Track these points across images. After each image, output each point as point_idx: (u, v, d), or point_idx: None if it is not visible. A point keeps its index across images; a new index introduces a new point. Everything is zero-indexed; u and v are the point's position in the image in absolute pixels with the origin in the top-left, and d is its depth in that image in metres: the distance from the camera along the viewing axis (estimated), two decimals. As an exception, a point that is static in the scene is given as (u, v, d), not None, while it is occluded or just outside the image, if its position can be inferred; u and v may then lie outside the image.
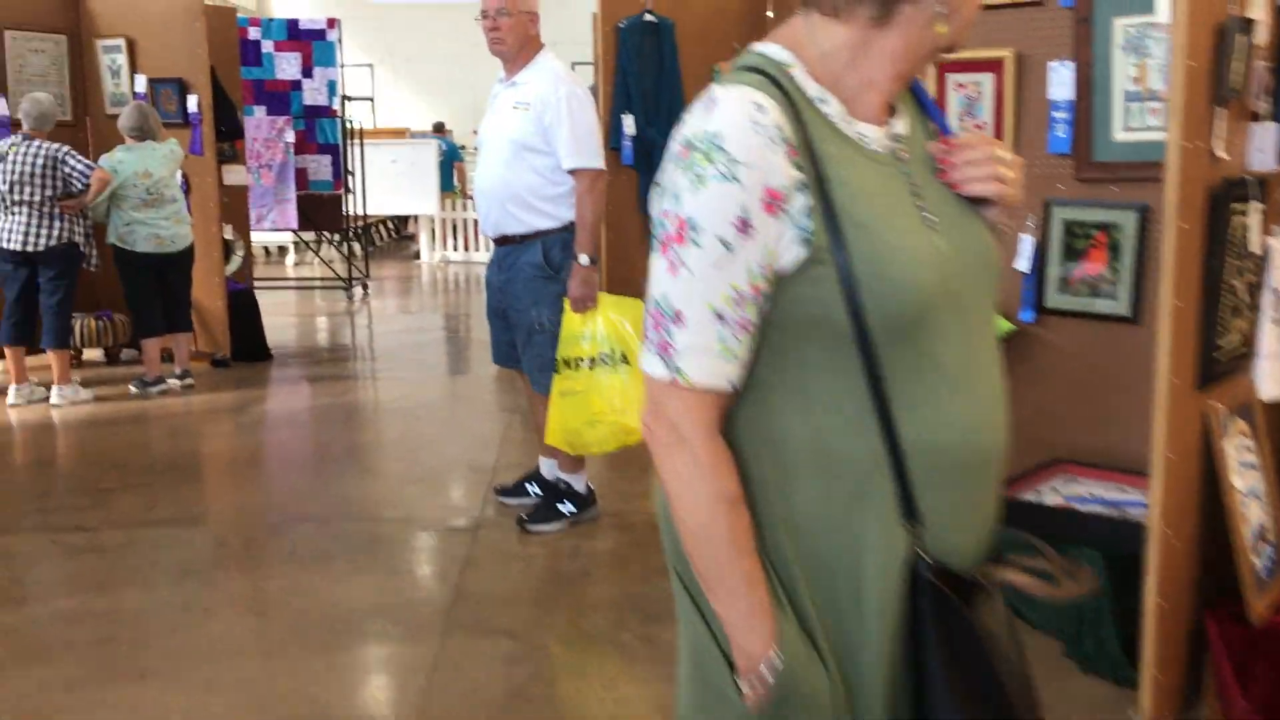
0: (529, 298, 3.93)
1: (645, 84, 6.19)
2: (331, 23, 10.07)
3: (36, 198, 5.93)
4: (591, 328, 3.89)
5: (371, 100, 16.49)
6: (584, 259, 3.85)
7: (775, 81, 1.19)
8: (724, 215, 1.13)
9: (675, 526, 1.25)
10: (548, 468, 4.28)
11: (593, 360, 3.87)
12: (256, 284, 8.30)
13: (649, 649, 3.15)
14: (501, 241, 4.02)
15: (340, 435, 5.63)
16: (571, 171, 3.86)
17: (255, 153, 9.54)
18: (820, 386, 1.21)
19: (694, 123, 1.17)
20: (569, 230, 3.90)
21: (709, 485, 1.19)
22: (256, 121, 9.63)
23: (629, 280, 6.27)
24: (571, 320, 3.89)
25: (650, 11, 6.14)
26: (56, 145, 6.00)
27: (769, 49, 1.25)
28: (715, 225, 1.13)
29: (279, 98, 9.95)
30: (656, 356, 1.19)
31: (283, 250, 14.04)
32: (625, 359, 3.88)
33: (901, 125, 1.30)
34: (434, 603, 3.52)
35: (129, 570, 3.74)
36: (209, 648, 3.18)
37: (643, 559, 3.83)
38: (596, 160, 3.88)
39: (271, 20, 10.18)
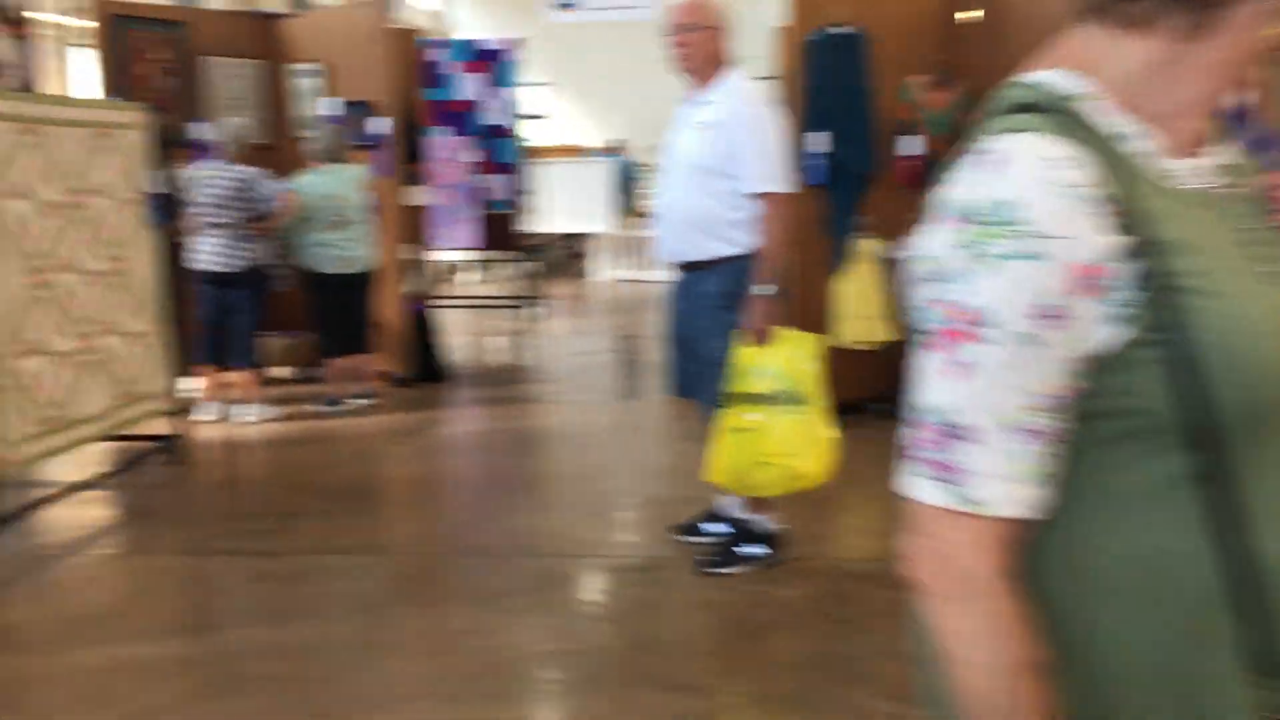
0: (710, 328, 3.74)
1: (835, 100, 5.93)
2: (512, 43, 10.15)
3: (230, 220, 6.08)
4: (768, 363, 3.66)
5: (547, 119, 16.66)
6: (764, 289, 3.64)
7: (1069, 120, 0.94)
8: (1027, 303, 0.90)
9: (940, 679, 1.00)
10: (728, 505, 4.07)
11: (767, 398, 3.65)
12: (434, 303, 8.38)
13: (849, 717, 2.90)
14: (683, 268, 3.85)
15: (514, 462, 5.55)
16: (755, 196, 3.66)
17: (436, 173, 9.67)
18: (1136, 496, 0.95)
19: (971, 186, 0.93)
20: (750, 258, 3.71)
21: (1007, 651, 0.94)
22: (438, 142, 9.77)
23: (812, 308, 6.02)
24: (747, 354, 3.68)
25: (839, 24, 5.88)
26: (249, 169, 6.14)
27: (1048, 77, 0.99)
28: (1016, 316, 0.90)
29: (460, 118, 10.08)
30: (934, 481, 0.96)
31: (460, 269, 14.29)
32: (801, 399, 3.65)
33: (1222, 156, 1.04)
34: (611, 650, 3.34)
35: (310, 600, 3.70)
36: (387, 690, 3.08)
37: (836, 611, 3.57)
38: (783, 184, 3.67)
39: (454, 41, 10.32)
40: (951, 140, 6.28)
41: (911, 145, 6.20)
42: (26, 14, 4.73)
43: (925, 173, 6.25)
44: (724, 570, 3.86)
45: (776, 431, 3.63)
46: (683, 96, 3.87)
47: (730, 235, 3.69)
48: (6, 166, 4.16)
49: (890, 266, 6.19)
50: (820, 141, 5.93)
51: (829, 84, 5.93)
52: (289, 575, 3.92)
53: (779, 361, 3.65)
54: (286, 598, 3.73)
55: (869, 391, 6.29)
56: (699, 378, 3.79)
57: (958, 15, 6.12)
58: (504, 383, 7.68)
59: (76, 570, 4.01)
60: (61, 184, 4.49)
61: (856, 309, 6.10)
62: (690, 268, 3.81)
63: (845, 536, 4.50)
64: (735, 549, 3.90)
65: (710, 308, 3.73)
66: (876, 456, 5.70)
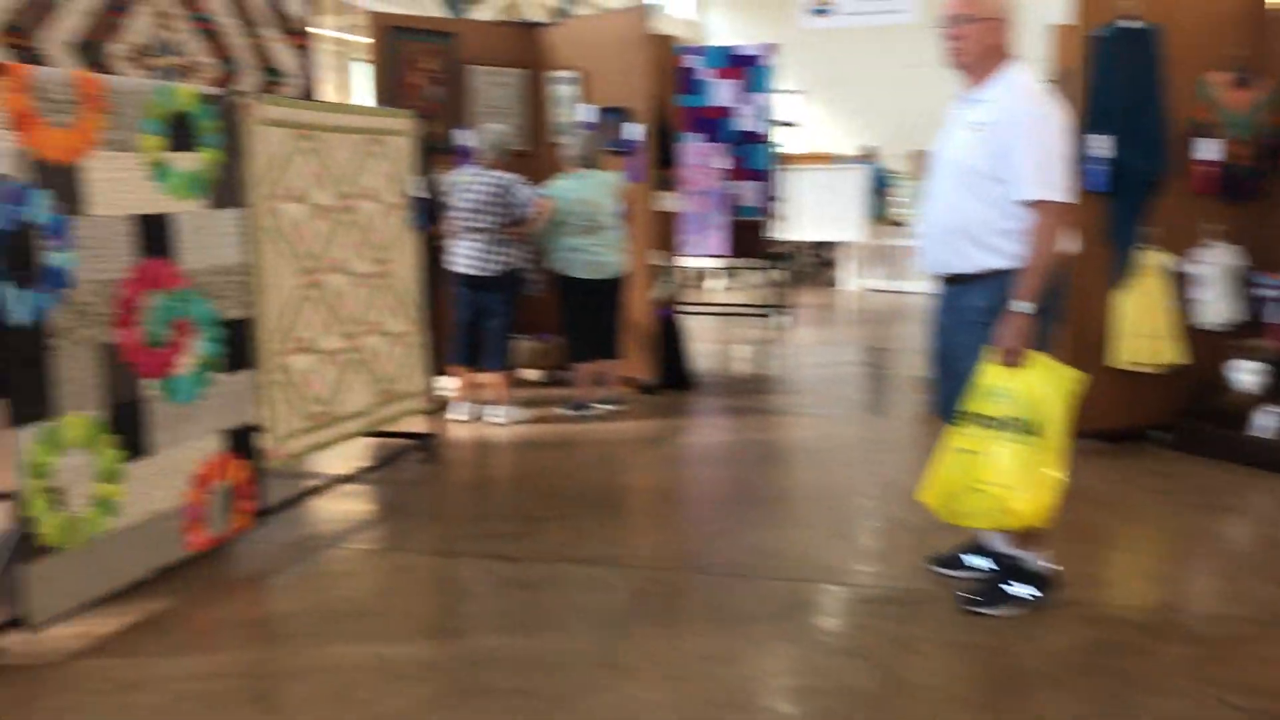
0: (970, 347, 3.44)
1: (1121, 99, 5.43)
2: (768, 49, 9.98)
3: (487, 225, 6.19)
4: (1010, 386, 3.34)
5: (799, 126, 16.42)
6: (1022, 305, 3.31)
7: None
8: None
9: None
10: (994, 538, 3.74)
11: (1000, 422, 3.34)
12: (682, 309, 8.32)
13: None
14: (947, 280, 3.56)
15: (757, 476, 5.37)
16: (1027, 204, 3.32)
17: (688, 179, 9.63)
18: None
19: None
20: (1015, 273, 3.37)
21: None
22: (690, 148, 9.72)
23: (1089, 324, 5.55)
24: (991, 373, 3.37)
25: (1130, 17, 5.38)
26: (508, 175, 6.23)
27: None
28: None
29: (713, 124, 10.01)
30: None
31: (708, 275, 14.25)
32: (1036, 431, 3.30)
33: None
34: (861, 691, 3.11)
35: (550, 611, 3.65)
36: (623, 713, 2.97)
37: (1115, 666, 3.20)
38: (1059, 193, 3.30)
39: (710, 48, 10.26)
40: (1254, 144, 5.65)
41: (1208, 149, 5.62)
42: (307, 27, 4.92)
43: (1223, 180, 5.66)
44: (988, 610, 3.54)
45: (998, 459, 3.34)
46: (957, 94, 3.58)
47: (1000, 246, 3.39)
48: (284, 171, 4.34)
49: (1179, 281, 5.63)
50: (1102, 145, 5.45)
51: (1116, 82, 5.44)
52: (531, 582, 3.88)
53: (1022, 387, 3.34)
54: (528, 606, 3.69)
55: (1149, 419, 5.74)
56: (956, 397, 3.50)
57: (1269, 1, 5.50)
58: (749, 392, 7.51)
59: (333, 563, 4.12)
60: (333, 188, 4.66)
61: (1138, 327, 5.58)
62: (955, 280, 3.53)
63: (1125, 580, 4.08)
64: (1001, 587, 3.58)
65: (973, 324, 3.44)
66: (1159, 492, 5.21)
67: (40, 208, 3.22)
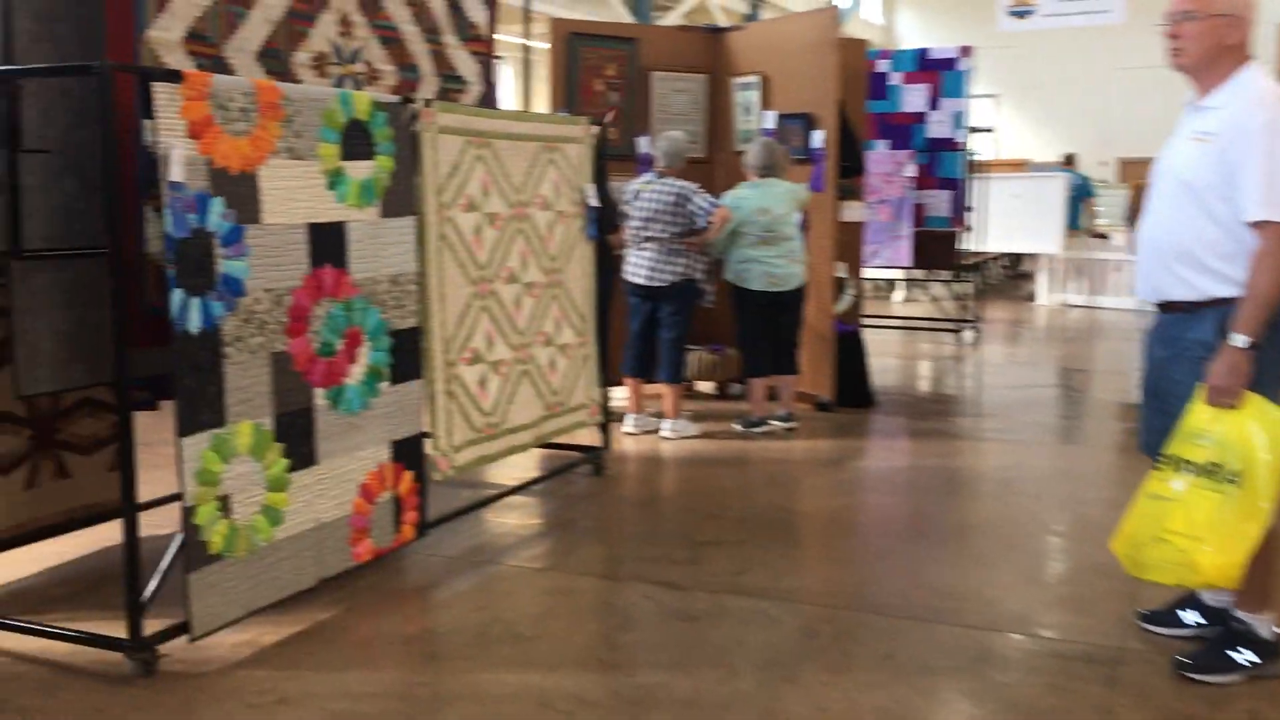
0: (1187, 383, 3.05)
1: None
2: (965, 51, 9.53)
3: (664, 234, 6.04)
4: (1216, 429, 2.97)
5: (992, 131, 15.79)
6: (1239, 339, 2.93)
7: None
8: None
9: None
10: (1214, 595, 3.34)
11: (1200, 468, 2.97)
12: (864, 324, 7.99)
13: None
14: (1164, 308, 3.18)
15: (941, 507, 5.03)
16: (1254, 225, 2.92)
17: (874, 188, 9.27)
18: None
19: None
20: (1235, 302, 2.98)
21: None
22: (877, 156, 9.37)
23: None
24: (1199, 413, 3.02)
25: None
26: (685, 183, 6.07)
27: None
28: None
29: (902, 131, 9.62)
30: None
31: (890, 286, 13.78)
32: (1239, 481, 2.90)
33: None
34: (1060, 762, 2.79)
35: (714, 647, 3.44)
36: (789, 770, 2.74)
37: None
38: None
39: (902, 51, 9.87)
40: None
41: None
42: (488, 33, 4.87)
43: None
44: (1210, 678, 3.14)
45: (1191, 508, 2.98)
46: (1187, 101, 3.20)
47: (1225, 272, 3.00)
48: (458, 179, 4.28)
49: None
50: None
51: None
52: (696, 614, 3.69)
53: (1231, 430, 2.96)
54: (691, 640, 3.50)
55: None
56: (1164, 437, 3.12)
57: None
58: (933, 413, 7.13)
59: (495, 581, 4.03)
60: (508, 196, 4.58)
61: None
62: (1172, 308, 3.15)
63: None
64: (1226, 652, 3.17)
65: (1191, 359, 3.06)
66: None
67: (216, 216, 3.22)
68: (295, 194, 3.50)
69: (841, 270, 7.26)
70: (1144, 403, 3.34)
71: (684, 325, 6.21)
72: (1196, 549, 2.94)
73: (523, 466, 5.45)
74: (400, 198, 3.97)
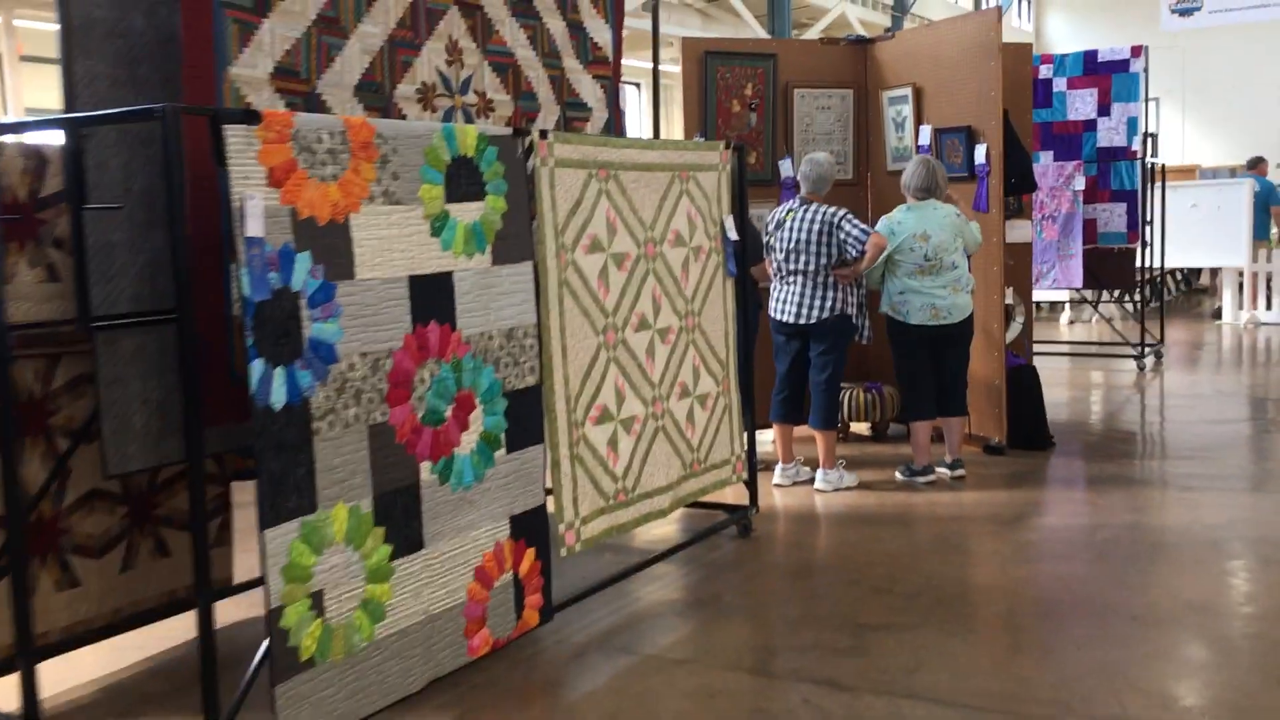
0: None
1: None
2: (1136, 51, 8.69)
3: (811, 266, 5.47)
4: None
5: (1162, 138, 14.67)
6: None
7: None
8: None
9: None
10: None
11: None
12: (1036, 355, 7.25)
13: None
14: None
15: (1145, 578, 4.29)
16: None
17: (1039, 204, 8.51)
18: None
19: None
20: None
21: None
22: (1042, 169, 8.60)
23: None
24: None
25: None
26: (833, 209, 5.49)
27: None
28: None
29: (1068, 141, 8.83)
30: None
31: (1056, 308, 12.83)
32: None
33: None
34: None
35: (890, 770, 2.85)
36: None
37: None
38: None
39: (1066, 55, 9.07)
40: None
41: None
42: (612, 56, 4.41)
43: None
44: None
45: None
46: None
47: None
48: (580, 216, 3.82)
49: None
50: None
51: None
52: (864, 723, 3.11)
53: None
54: (861, 760, 2.91)
55: None
56: None
57: None
58: (1119, 455, 6.34)
59: (631, 676, 3.51)
60: (637, 234, 4.10)
61: None
62: None
63: None
64: None
65: None
66: None
67: (302, 273, 2.83)
68: (393, 243, 3.09)
69: (1010, 296, 6.56)
70: None
71: (838, 365, 5.61)
72: None
73: (662, 529, 4.95)
74: (514, 241, 3.53)
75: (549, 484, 3.72)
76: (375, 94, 3.55)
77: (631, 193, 4.08)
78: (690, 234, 4.43)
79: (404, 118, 3.68)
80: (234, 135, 2.68)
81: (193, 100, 3.01)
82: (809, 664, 3.52)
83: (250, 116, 2.72)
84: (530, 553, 3.60)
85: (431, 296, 3.22)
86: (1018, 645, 3.70)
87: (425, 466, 3.21)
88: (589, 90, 4.49)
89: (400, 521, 3.13)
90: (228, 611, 3.79)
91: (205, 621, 2.74)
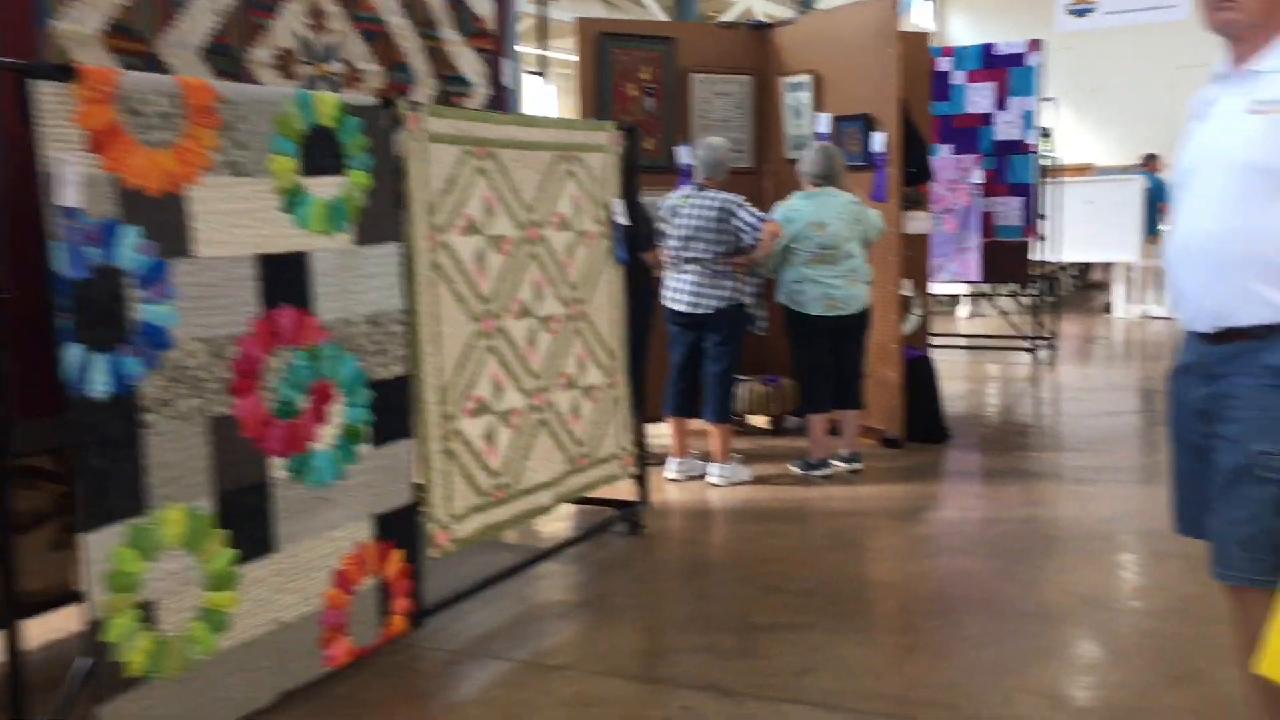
0: (1257, 419, 2.22)
1: None
2: (1034, 45, 8.72)
3: (706, 254, 5.31)
4: None
5: (1057, 134, 14.95)
6: None
7: None
8: None
9: None
10: None
11: None
12: (932, 347, 7.20)
13: None
14: (1221, 337, 2.28)
15: (1040, 573, 4.21)
16: None
17: (939, 196, 8.48)
18: None
19: None
20: None
21: None
22: (941, 161, 8.57)
23: None
24: None
25: None
26: (729, 196, 5.33)
27: None
28: None
29: (967, 134, 8.82)
30: None
31: (954, 301, 12.91)
32: None
33: None
34: None
35: (774, 783, 2.69)
36: None
37: None
38: None
39: (965, 47, 9.07)
40: None
41: None
42: (494, 29, 4.17)
43: None
44: None
45: None
46: (1214, 73, 2.36)
47: None
48: (454, 196, 3.58)
49: None
50: None
51: None
52: (749, 731, 2.94)
53: None
54: (744, 772, 2.74)
55: None
56: (1220, 504, 2.27)
57: None
58: (1014, 448, 6.31)
59: (505, 685, 3.30)
60: (518, 216, 3.88)
61: None
62: (1233, 336, 2.27)
63: None
64: None
65: (1263, 391, 2.22)
66: None
67: (128, 249, 2.55)
68: (239, 219, 2.82)
69: (907, 288, 6.48)
70: (1177, 460, 2.45)
71: (732, 356, 5.46)
72: None
73: (548, 526, 4.73)
74: (380, 220, 3.28)
75: (420, 481, 3.49)
76: (226, 58, 3.27)
77: (512, 173, 3.86)
78: (576, 218, 4.22)
79: (260, 85, 3.40)
80: (45, 93, 2.39)
81: (7, 55, 2.70)
82: (694, 668, 3.35)
83: (64, 73, 2.44)
84: (398, 554, 3.36)
85: (284, 278, 2.95)
86: (910, 644, 3.57)
87: (277, 463, 2.95)
88: (469, 64, 4.25)
89: (247, 523, 2.86)
90: (65, 623, 3.47)
91: (12, 639, 2.45)
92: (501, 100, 4.40)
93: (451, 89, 4.16)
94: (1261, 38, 2.26)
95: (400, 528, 3.37)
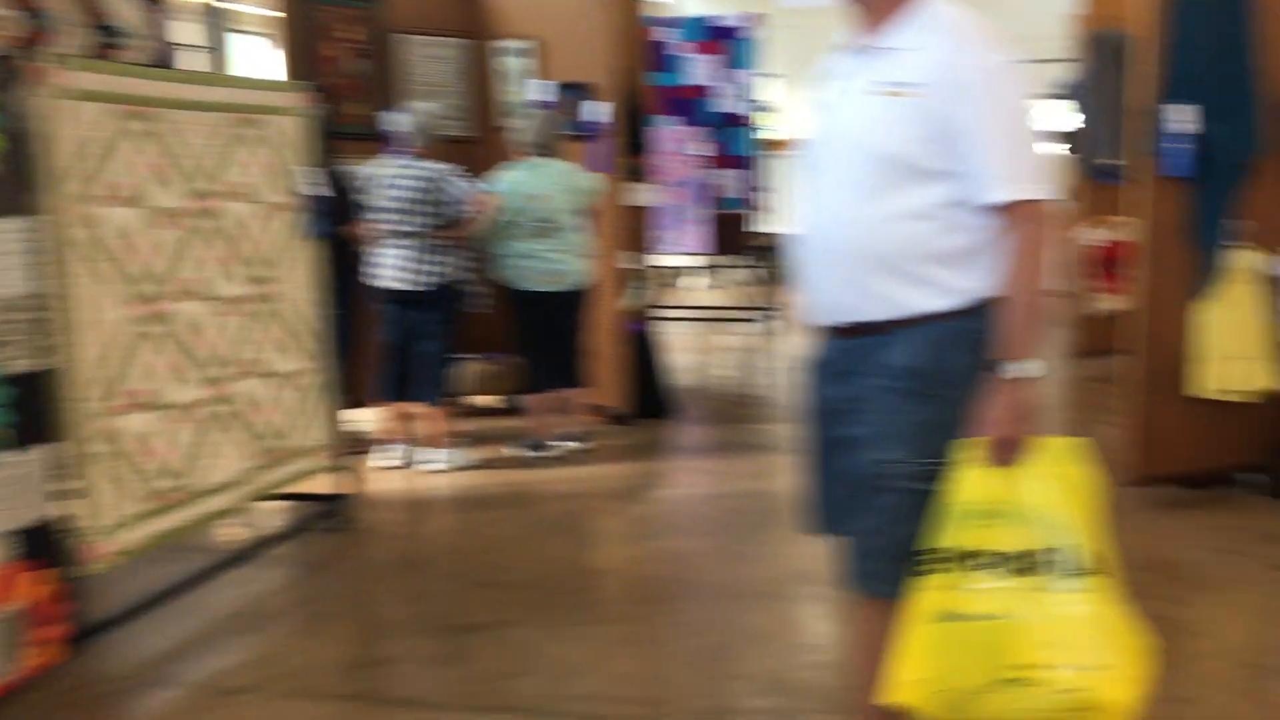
0: (879, 424, 2.11)
1: (1210, 62, 4.31)
2: (751, 19, 8.82)
3: (417, 227, 4.99)
4: (1020, 498, 2.00)
5: (780, 111, 15.38)
6: (1021, 367, 2.01)
7: None
8: None
9: None
10: None
11: (1016, 560, 1.98)
12: (657, 320, 7.16)
13: None
14: (846, 332, 2.18)
15: (761, 551, 4.18)
16: (994, 209, 2.03)
17: (662, 168, 8.46)
18: None
19: None
20: (977, 316, 2.07)
21: None
22: (665, 133, 8.55)
23: (1163, 346, 4.42)
24: (976, 481, 2.02)
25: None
26: (440, 166, 5.04)
27: None
28: None
29: (689, 106, 8.84)
30: None
31: (686, 276, 13.07)
32: (1084, 564, 1.97)
33: None
34: None
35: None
36: None
37: None
38: (1040, 188, 2.03)
39: (685, 18, 9.08)
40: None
41: (1308, 122, 4.49)
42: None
43: (1328, 160, 4.53)
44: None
45: (1039, 622, 1.95)
46: (838, 43, 2.23)
47: (940, 278, 2.08)
48: (105, 161, 3.13)
49: (1275, 288, 4.51)
50: (1185, 117, 4.32)
51: (1200, 39, 4.31)
52: (450, 747, 2.71)
53: (1040, 496, 2.00)
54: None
55: (1239, 459, 4.62)
56: (858, 511, 2.16)
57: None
58: (739, 420, 6.36)
59: (172, 715, 2.93)
60: (184, 185, 3.45)
61: (1226, 346, 4.45)
62: (859, 331, 2.15)
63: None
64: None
65: (890, 394, 2.10)
66: (1252, 553, 4.11)
67: None
68: None
69: (630, 261, 6.39)
70: (812, 458, 2.31)
71: (448, 336, 5.18)
72: (1082, 678, 1.93)
73: (241, 528, 4.32)
74: (14, 190, 2.80)
75: (71, 487, 3.04)
76: None
77: (177, 136, 3.42)
78: (262, 188, 3.82)
79: None
80: None
81: None
82: (397, 680, 3.08)
83: None
84: (43, 575, 2.92)
85: (-127, 258, 2.46)
86: (624, 636, 3.44)
87: None
88: (128, 12, 3.76)
89: None
90: None
91: None
92: (167, 55, 3.92)
93: (106, 40, 3.66)
94: (888, 9, 2.10)
95: (45, 544, 2.92)
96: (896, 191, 2.06)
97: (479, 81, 6.48)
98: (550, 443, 5.47)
